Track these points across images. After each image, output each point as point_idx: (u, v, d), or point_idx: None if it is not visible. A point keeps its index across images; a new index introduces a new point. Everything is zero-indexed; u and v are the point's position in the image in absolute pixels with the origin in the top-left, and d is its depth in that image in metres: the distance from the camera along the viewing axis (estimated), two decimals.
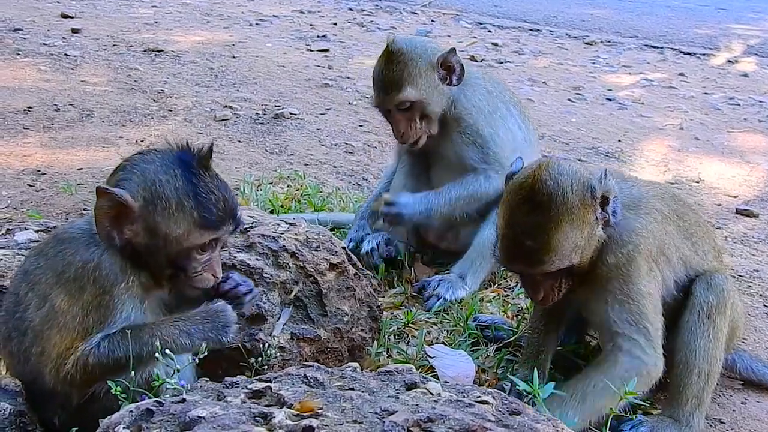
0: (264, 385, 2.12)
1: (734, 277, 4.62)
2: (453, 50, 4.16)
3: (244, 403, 2.03)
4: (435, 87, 4.13)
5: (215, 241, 2.59)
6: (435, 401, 2.08)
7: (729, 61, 10.94)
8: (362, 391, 2.12)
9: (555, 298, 3.07)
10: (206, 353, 2.49)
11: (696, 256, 3.30)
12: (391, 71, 4.11)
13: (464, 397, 2.16)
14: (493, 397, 2.19)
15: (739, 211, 5.74)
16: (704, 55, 11.20)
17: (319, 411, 1.95)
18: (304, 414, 1.95)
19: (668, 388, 3.30)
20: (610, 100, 8.67)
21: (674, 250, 3.20)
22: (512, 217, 2.94)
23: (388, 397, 2.11)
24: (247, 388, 2.12)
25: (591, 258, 3.00)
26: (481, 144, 4.19)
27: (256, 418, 1.91)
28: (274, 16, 11.91)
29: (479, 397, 2.18)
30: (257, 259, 3.19)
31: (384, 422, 1.89)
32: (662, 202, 3.25)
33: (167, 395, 2.24)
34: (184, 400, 2.04)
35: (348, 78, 8.52)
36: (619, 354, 3.04)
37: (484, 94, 4.27)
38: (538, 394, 2.71)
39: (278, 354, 3.05)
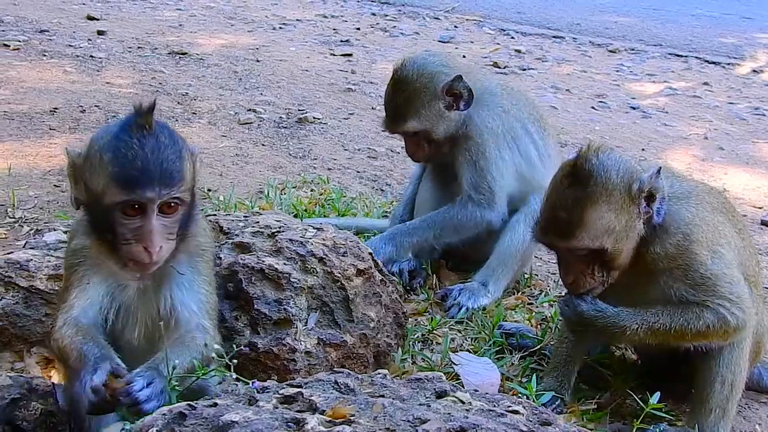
0: (295, 390, 2.12)
1: None
2: (459, 77, 4.09)
3: (276, 408, 2.03)
4: (440, 115, 4.12)
5: (138, 204, 2.35)
6: (467, 410, 2.07)
7: (754, 70, 10.84)
8: (393, 399, 2.12)
9: (586, 285, 3.06)
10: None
11: (745, 251, 3.28)
12: (396, 101, 4.17)
13: (495, 406, 2.15)
14: (524, 407, 2.19)
15: (764, 223, 5.69)
16: (729, 64, 11.10)
17: (352, 418, 1.95)
18: (337, 421, 1.95)
19: (692, 399, 3.27)
20: (633, 108, 8.62)
21: (730, 238, 3.17)
22: (552, 191, 3.04)
23: (420, 405, 2.11)
24: (278, 394, 2.12)
25: (633, 251, 3.00)
26: (481, 167, 4.15)
27: (289, 423, 1.92)
28: (297, 20, 11.95)
29: (510, 406, 2.17)
30: (285, 264, 3.20)
31: (417, 431, 1.88)
32: (711, 196, 3.26)
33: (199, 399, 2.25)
34: (216, 404, 2.05)
35: (371, 83, 8.53)
36: (705, 310, 3.01)
37: (498, 114, 4.21)
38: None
39: (305, 359, 3.05)
